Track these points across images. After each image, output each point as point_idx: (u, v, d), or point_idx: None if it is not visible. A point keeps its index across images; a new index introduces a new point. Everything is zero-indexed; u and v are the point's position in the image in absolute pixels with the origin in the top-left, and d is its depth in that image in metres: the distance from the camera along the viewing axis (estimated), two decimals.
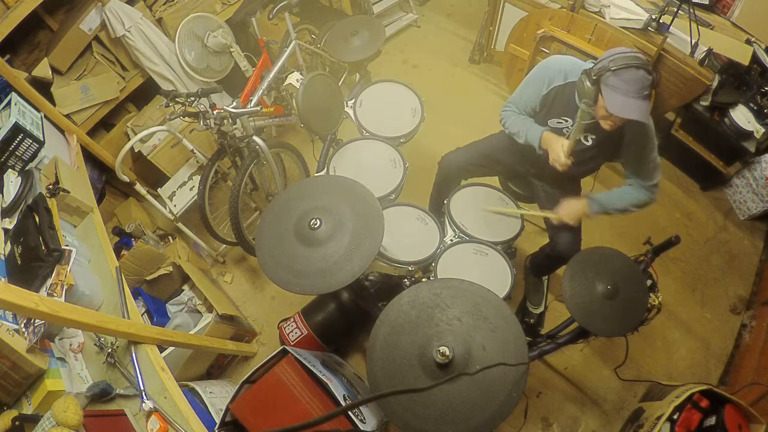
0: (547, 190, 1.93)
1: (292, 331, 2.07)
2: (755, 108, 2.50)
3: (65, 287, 1.44)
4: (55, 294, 1.42)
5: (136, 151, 2.55)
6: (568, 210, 1.76)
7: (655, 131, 1.63)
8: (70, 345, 1.50)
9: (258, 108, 2.23)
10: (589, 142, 1.68)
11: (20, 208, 1.70)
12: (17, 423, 1.23)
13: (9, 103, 1.95)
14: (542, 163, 1.82)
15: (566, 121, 1.67)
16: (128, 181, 2.21)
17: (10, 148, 1.86)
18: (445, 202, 2.00)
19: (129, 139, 2.35)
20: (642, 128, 1.58)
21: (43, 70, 2.23)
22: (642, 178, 1.66)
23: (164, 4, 2.50)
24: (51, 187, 1.77)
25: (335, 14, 3.35)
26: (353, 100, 2.19)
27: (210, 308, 2.18)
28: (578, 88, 1.54)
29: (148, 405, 1.31)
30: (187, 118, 2.08)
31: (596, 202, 1.72)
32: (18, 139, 1.86)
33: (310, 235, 1.39)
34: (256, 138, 2.17)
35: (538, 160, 1.81)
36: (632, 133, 1.60)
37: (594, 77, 1.44)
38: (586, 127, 1.60)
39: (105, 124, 2.65)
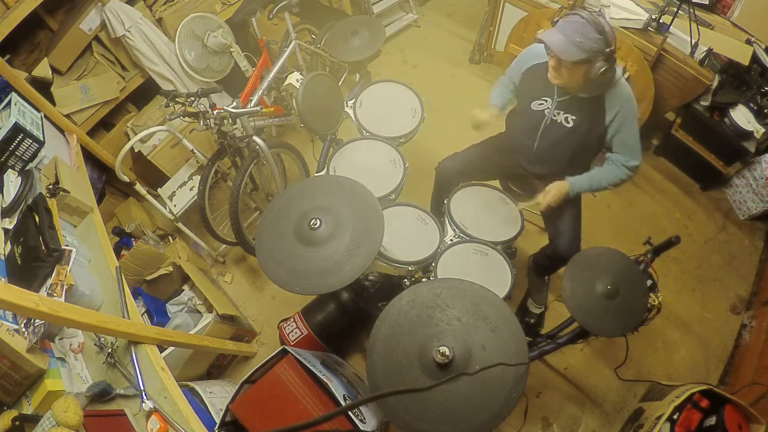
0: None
1: (292, 331, 2.06)
2: (755, 108, 2.50)
3: (65, 287, 1.44)
4: (55, 294, 1.42)
5: (136, 151, 2.55)
6: (551, 193, 1.75)
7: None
8: (70, 345, 1.50)
9: (258, 108, 2.23)
10: (570, 124, 1.70)
11: (20, 208, 1.70)
12: (17, 423, 1.23)
13: (9, 103, 1.95)
14: (541, 163, 1.82)
15: (546, 101, 1.73)
16: (128, 181, 2.21)
17: (10, 148, 1.86)
18: (445, 202, 2.00)
19: (129, 139, 2.35)
20: (623, 99, 1.62)
21: (43, 70, 2.23)
22: (629, 155, 1.70)
23: (164, 4, 2.50)
24: (51, 187, 1.77)
25: (335, 14, 3.35)
26: (353, 100, 2.19)
27: (210, 308, 2.18)
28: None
29: (148, 405, 1.31)
30: (187, 118, 2.08)
31: (577, 183, 1.75)
32: (18, 139, 1.86)
33: (310, 235, 1.39)
34: (256, 138, 2.17)
35: (537, 160, 1.82)
36: (614, 107, 1.63)
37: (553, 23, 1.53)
38: (563, 104, 1.67)
39: (105, 124, 2.65)
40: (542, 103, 1.73)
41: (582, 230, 1.92)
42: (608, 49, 1.45)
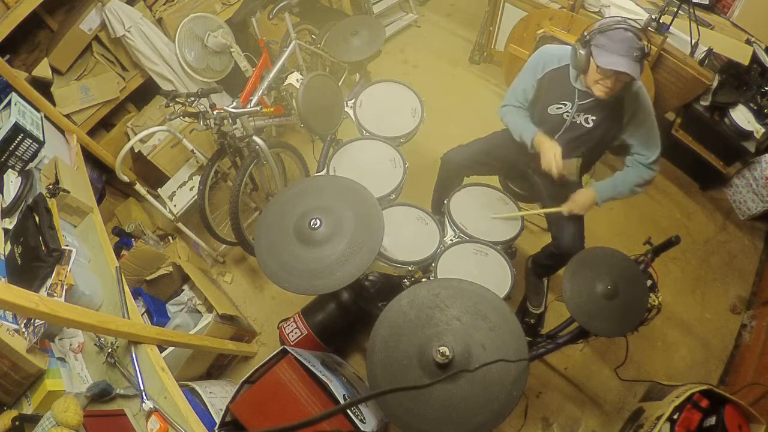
0: (549, 186, 1.93)
1: (292, 331, 2.06)
2: (755, 108, 2.50)
3: (65, 287, 1.44)
4: (55, 294, 1.42)
5: (136, 151, 2.55)
6: (579, 201, 1.77)
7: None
8: (70, 345, 1.50)
9: (258, 108, 2.23)
10: (590, 124, 1.70)
11: (20, 208, 1.70)
12: (17, 423, 1.23)
13: (9, 103, 1.95)
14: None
15: (565, 105, 1.71)
16: (128, 181, 2.21)
17: (10, 148, 1.86)
18: (445, 202, 2.00)
19: (129, 139, 2.35)
20: (640, 99, 1.63)
21: (43, 70, 2.23)
22: (648, 152, 1.70)
23: (164, 4, 2.50)
24: (51, 187, 1.77)
25: (335, 14, 3.35)
26: (353, 100, 2.19)
27: (210, 308, 2.18)
28: (572, 61, 1.61)
29: (148, 405, 1.31)
30: (187, 118, 2.07)
31: (603, 190, 1.77)
32: (18, 139, 1.86)
33: (310, 235, 1.39)
34: (256, 138, 2.17)
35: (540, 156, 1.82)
36: (632, 107, 1.64)
37: (585, 40, 1.53)
38: (584, 107, 1.65)
39: (105, 124, 2.65)
40: (561, 107, 1.72)
41: (584, 227, 1.92)
42: (646, 52, 1.48)
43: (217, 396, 1.86)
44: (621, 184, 1.76)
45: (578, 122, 1.72)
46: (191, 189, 2.49)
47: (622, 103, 1.65)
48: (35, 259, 1.48)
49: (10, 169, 1.86)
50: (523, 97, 1.83)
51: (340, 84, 2.77)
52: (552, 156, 1.67)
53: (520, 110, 1.86)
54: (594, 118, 1.69)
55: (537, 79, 1.76)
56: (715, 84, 2.50)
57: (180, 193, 2.51)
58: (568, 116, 1.72)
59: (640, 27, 1.49)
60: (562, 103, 1.71)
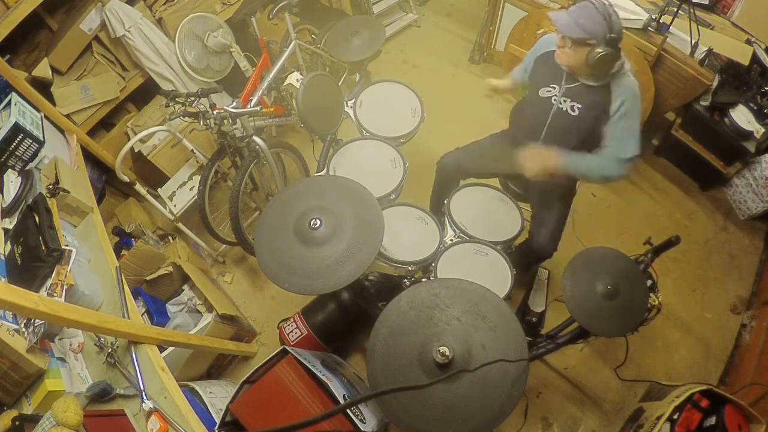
0: (542, 189, 1.93)
1: (292, 331, 2.07)
2: (755, 108, 2.50)
3: (65, 287, 1.44)
4: (55, 294, 1.42)
5: (136, 151, 2.55)
6: (533, 153, 1.67)
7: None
8: (70, 345, 1.50)
9: (258, 108, 2.23)
10: (576, 113, 1.68)
11: (20, 208, 1.70)
12: (17, 423, 1.23)
13: (9, 103, 1.95)
14: None
15: (554, 88, 1.71)
16: (128, 181, 2.21)
17: (10, 148, 1.86)
18: (445, 202, 2.00)
19: (129, 139, 2.35)
20: (630, 92, 1.61)
21: (43, 70, 2.23)
22: (623, 148, 1.63)
23: (164, 4, 2.50)
24: (51, 187, 1.77)
25: (335, 14, 3.35)
26: (353, 100, 2.19)
27: (210, 308, 2.18)
28: None
29: (148, 405, 1.31)
30: (187, 118, 2.08)
31: (568, 156, 1.65)
32: (18, 139, 1.86)
33: (310, 235, 1.39)
34: (256, 138, 2.17)
35: None
36: (619, 99, 1.61)
37: None
38: (570, 92, 1.66)
39: (105, 124, 2.65)
40: (550, 90, 1.72)
41: (562, 231, 1.93)
42: (609, 35, 1.47)
43: (217, 396, 1.86)
44: (588, 165, 1.67)
45: (564, 109, 1.70)
46: (191, 189, 2.49)
47: (609, 92, 1.61)
48: (35, 259, 1.48)
49: (10, 169, 1.86)
50: (524, 69, 1.89)
51: (340, 84, 2.78)
52: (495, 83, 1.89)
53: (523, 68, 1.91)
54: (579, 106, 1.66)
55: (535, 58, 1.79)
56: (715, 84, 2.50)
57: (180, 193, 2.51)
58: (555, 100, 1.71)
59: (611, 10, 1.48)
60: (551, 86, 1.72)
